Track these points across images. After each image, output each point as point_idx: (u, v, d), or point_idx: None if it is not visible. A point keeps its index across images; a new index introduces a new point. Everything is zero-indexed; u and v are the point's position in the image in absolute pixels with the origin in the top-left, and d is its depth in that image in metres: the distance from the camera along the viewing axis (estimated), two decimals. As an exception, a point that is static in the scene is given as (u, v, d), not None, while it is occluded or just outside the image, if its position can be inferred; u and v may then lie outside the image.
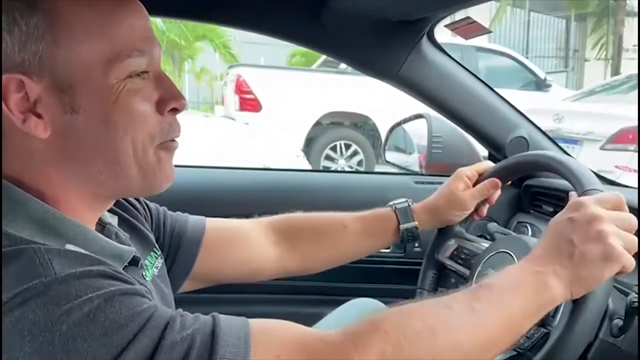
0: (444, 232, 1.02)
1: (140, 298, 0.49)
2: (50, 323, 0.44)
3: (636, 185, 0.97)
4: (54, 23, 0.51)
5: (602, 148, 3.35)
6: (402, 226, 0.92)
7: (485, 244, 0.96)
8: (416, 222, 0.92)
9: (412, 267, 1.11)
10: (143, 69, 0.56)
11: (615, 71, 12.34)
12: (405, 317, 0.55)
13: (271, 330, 0.52)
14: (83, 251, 0.51)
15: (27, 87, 0.51)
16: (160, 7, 1.03)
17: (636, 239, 0.64)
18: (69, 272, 0.47)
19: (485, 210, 0.98)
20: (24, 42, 0.50)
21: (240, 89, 5.50)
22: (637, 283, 0.76)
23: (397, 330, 0.53)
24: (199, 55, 13.71)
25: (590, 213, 0.63)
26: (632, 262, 0.62)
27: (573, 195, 0.72)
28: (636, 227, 0.64)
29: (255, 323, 0.52)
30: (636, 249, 0.63)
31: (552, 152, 1.10)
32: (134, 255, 0.61)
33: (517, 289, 0.60)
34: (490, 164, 0.97)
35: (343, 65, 5.41)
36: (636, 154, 3.09)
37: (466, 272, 0.94)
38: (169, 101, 0.58)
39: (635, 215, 0.66)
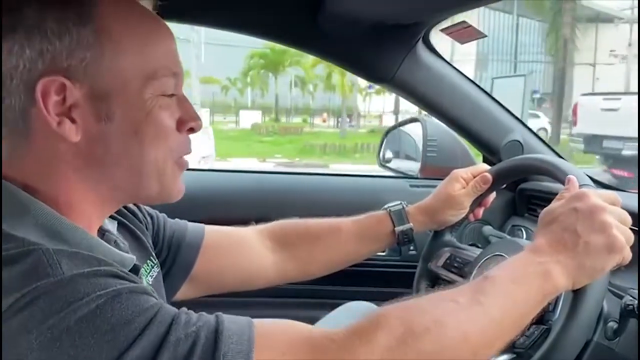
0: (435, 242, 1.01)
1: (146, 296, 0.49)
2: (58, 319, 0.44)
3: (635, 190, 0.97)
4: (103, 36, 0.54)
5: None
6: (397, 228, 0.91)
7: (478, 252, 0.96)
8: (411, 224, 0.92)
9: (408, 270, 1.12)
10: (172, 90, 0.60)
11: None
12: (411, 311, 0.55)
13: (275, 329, 0.53)
14: (91, 253, 0.52)
15: (67, 91, 0.53)
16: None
17: (632, 233, 0.65)
18: (77, 271, 0.47)
19: (480, 212, 0.99)
20: (72, 49, 0.53)
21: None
22: (630, 286, 0.77)
23: (403, 324, 0.53)
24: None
25: (593, 203, 0.64)
26: (630, 255, 0.64)
27: (572, 179, 0.72)
28: (630, 223, 0.66)
29: (259, 322, 0.52)
30: (632, 243, 0.65)
31: (544, 155, 1.10)
32: (134, 264, 0.62)
33: (521, 280, 0.60)
34: (485, 167, 0.97)
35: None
36: None
37: (460, 280, 0.93)
38: (189, 121, 0.62)
39: (635, 220, 0.66)
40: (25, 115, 0.53)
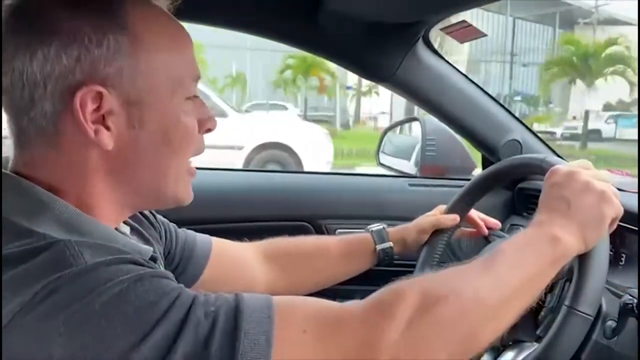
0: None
1: (167, 280, 0.50)
2: (83, 304, 0.45)
3: (636, 190, 0.97)
4: (137, 43, 0.55)
5: None
6: (379, 247, 0.97)
7: None
8: (391, 243, 0.98)
9: (405, 269, 1.11)
10: (194, 93, 0.61)
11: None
12: (427, 283, 0.58)
13: (295, 305, 0.54)
14: (112, 244, 0.53)
15: (104, 99, 0.54)
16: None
17: (614, 188, 0.68)
18: (99, 260, 0.48)
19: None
20: (111, 58, 0.54)
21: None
22: (629, 285, 0.77)
23: (420, 295, 0.54)
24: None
25: (566, 171, 0.69)
26: (621, 207, 0.67)
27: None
28: (608, 180, 0.69)
29: (279, 299, 0.52)
30: (619, 196, 0.67)
31: (530, 154, 1.10)
32: (152, 255, 0.63)
33: (528, 247, 0.63)
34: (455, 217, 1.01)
35: None
36: None
37: None
38: (207, 122, 0.63)
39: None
40: (57, 121, 0.53)
